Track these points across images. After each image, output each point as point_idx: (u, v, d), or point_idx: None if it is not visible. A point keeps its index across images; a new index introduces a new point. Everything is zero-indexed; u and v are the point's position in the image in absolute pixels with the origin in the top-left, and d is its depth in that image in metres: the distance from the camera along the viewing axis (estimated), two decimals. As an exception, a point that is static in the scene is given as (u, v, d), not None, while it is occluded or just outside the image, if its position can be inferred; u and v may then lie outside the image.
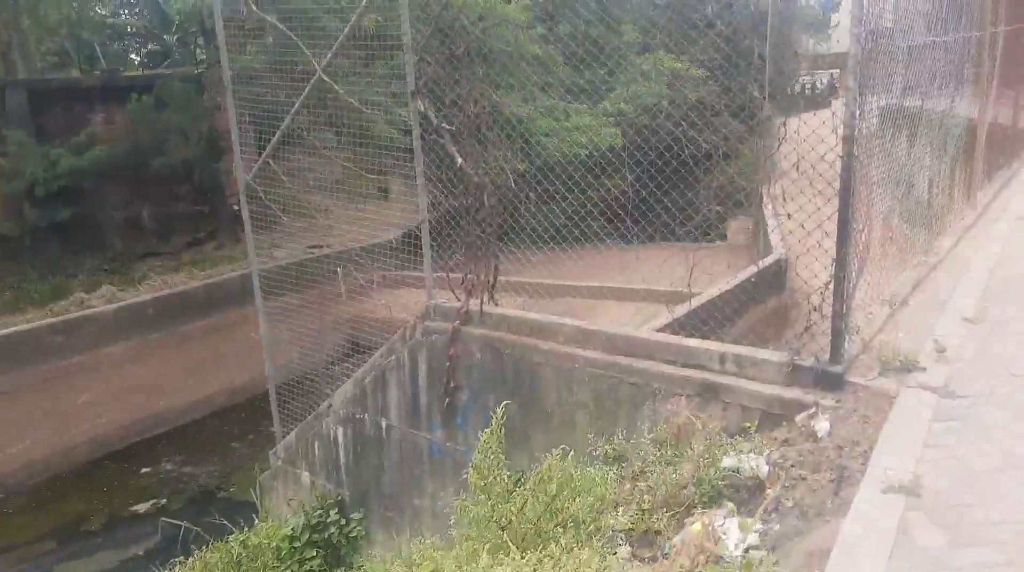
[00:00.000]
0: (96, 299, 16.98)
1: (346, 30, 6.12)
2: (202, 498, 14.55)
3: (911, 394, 4.26)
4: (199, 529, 7.88)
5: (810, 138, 4.97)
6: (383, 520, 6.98)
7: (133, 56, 27.80)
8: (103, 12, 26.02)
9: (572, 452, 5.45)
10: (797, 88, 14.61)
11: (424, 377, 6.39)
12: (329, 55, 6.33)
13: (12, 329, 15.59)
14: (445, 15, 5.40)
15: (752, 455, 4.20)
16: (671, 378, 5.00)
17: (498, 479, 3.99)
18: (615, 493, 4.51)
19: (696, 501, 4.01)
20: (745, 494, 4.04)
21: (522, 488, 4.55)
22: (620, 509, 4.26)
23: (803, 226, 4.86)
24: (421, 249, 6.44)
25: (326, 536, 7.19)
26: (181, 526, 13.23)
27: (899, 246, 5.99)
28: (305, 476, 7.68)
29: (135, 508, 14.25)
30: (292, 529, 7.15)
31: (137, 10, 27.61)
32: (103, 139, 18.78)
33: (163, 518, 9.76)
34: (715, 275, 8.70)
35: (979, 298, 5.62)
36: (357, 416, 6.99)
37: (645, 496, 4.23)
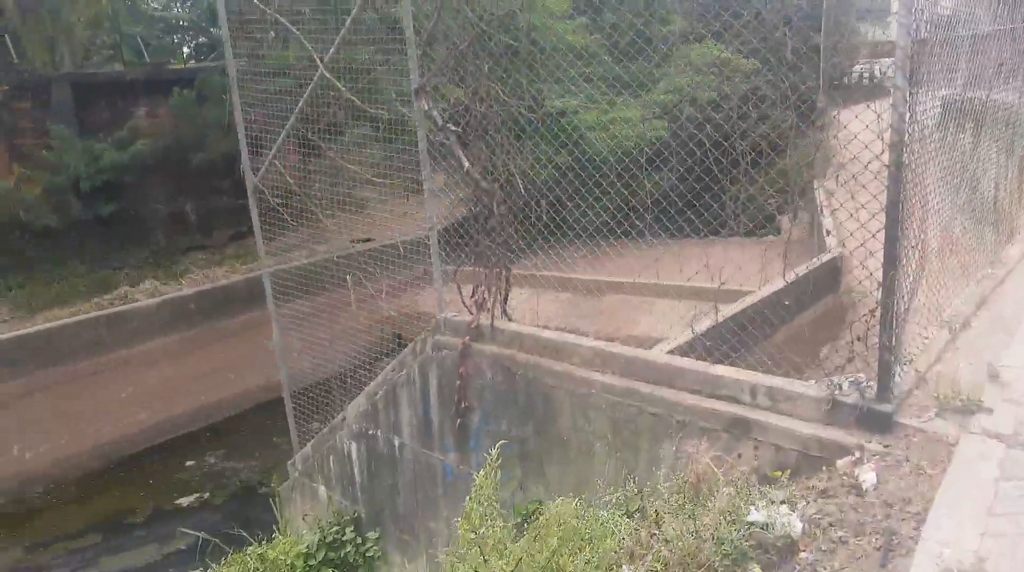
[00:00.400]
0: (139, 293, 17.12)
1: (347, 23, 5.70)
2: (244, 493, 14.55)
3: (974, 442, 3.67)
4: (217, 540, 7.68)
5: (859, 133, 4.38)
6: (399, 542, 6.64)
7: (185, 49, 27.97)
8: (154, 5, 26.20)
9: (586, 491, 5.01)
10: (855, 77, 13.68)
11: (435, 395, 5.99)
12: (332, 50, 5.92)
13: (57, 323, 15.79)
14: (449, 1, 4.92)
15: (784, 508, 3.67)
16: (696, 410, 4.48)
17: (492, 530, 3.56)
18: (631, 541, 4.04)
19: (717, 563, 3.51)
20: (774, 556, 3.52)
21: (524, 533, 4.13)
22: (633, 566, 3.79)
23: (843, 245, 4.26)
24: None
25: (342, 555, 6.90)
26: (219, 520, 13.24)
27: (961, 258, 5.31)
28: (322, 490, 7.39)
29: (178, 501, 14.31)
30: (307, 546, 6.87)
31: (189, 4, 27.76)
32: (146, 133, 18.83)
33: (180, 528, 9.63)
34: (767, 273, 8.12)
35: (1055, 318, 4.93)
36: (370, 432, 6.64)
37: (662, 550, 3.76)
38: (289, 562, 6.78)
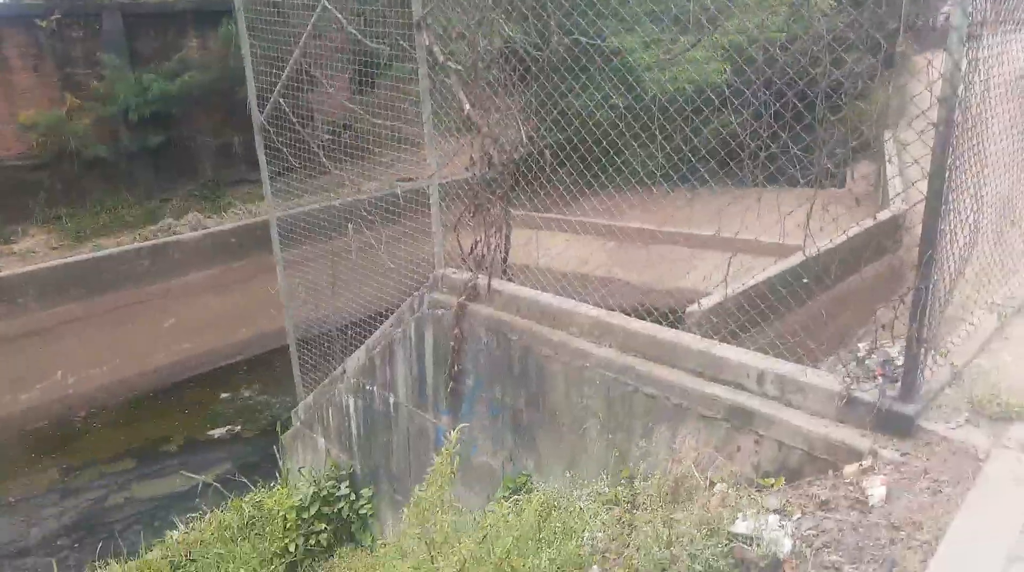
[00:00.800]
0: (181, 225, 17.18)
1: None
2: (273, 428, 14.69)
3: (1007, 460, 3.11)
4: (217, 484, 7.62)
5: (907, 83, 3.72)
6: (392, 501, 6.40)
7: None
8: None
9: (577, 469, 4.62)
10: (942, 20, 12.42)
11: (430, 355, 5.62)
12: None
13: (103, 252, 15.97)
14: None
15: (775, 520, 3.21)
16: (694, 395, 3.99)
17: (440, 524, 3.18)
18: (607, 538, 3.64)
19: (691, 578, 3.09)
20: (758, 575, 3.08)
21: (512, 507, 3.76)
22: (604, 567, 3.40)
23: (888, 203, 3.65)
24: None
25: (336, 510, 6.71)
26: (247, 454, 13.38)
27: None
28: (321, 442, 7.18)
29: (211, 433, 14.50)
30: (301, 500, 6.69)
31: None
32: (197, 64, 18.58)
33: (182, 471, 9.65)
34: (825, 226, 7.48)
35: None
36: (367, 387, 6.35)
37: (633, 558, 3.34)
38: (283, 514, 6.63)
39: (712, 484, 3.66)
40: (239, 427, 14.82)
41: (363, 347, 6.41)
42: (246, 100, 18.38)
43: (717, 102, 3.98)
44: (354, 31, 5.50)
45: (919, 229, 3.28)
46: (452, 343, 5.28)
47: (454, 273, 5.46)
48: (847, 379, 3.59)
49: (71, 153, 17.04)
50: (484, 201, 5.00)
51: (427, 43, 4.98)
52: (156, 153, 18.46)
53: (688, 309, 7.24)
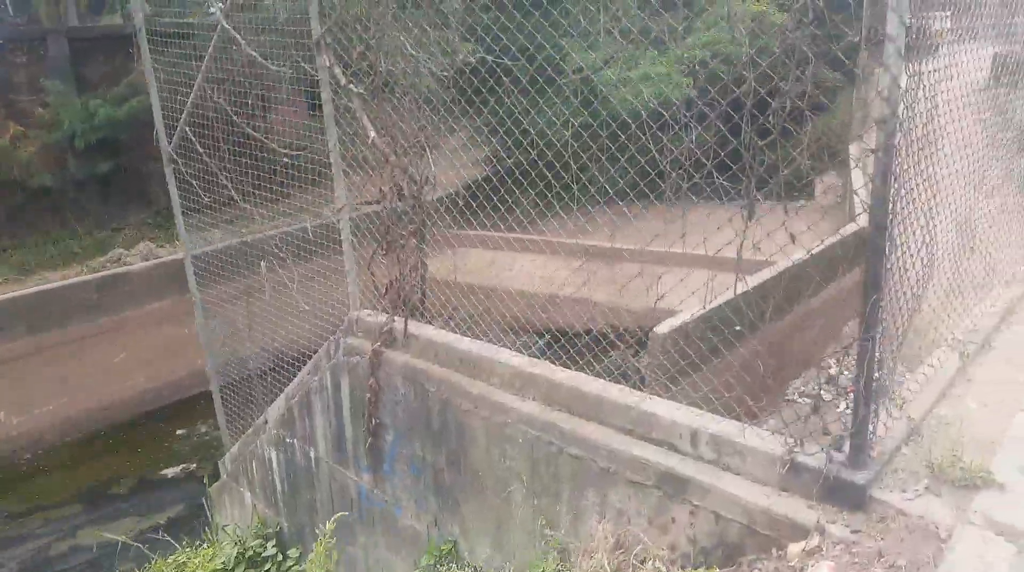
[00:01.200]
0: (132, 256, 16.55)
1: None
2: (233, 465, 14.09)
3: (972, 539, 2.64)
4: (139, 544, 7.02)
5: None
6: (320, 563, 5.84)
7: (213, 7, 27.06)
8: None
9: (505, 536, 4.12)
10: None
11: (348, 407, 5.09)
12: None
13: (50, 285, 15.33)
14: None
15: (706, 617, 2.72)
16: (622, 458, 3.50)
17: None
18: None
19: None
20: None
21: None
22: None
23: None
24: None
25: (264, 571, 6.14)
26: (199, 493, 12.75)
27: (985, 256, 4.17)
28: (247, 496, 6.62)
29: (164, 472, 13.88)
30: (224, 562, 6.12)
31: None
32: (147, 88, 18.03)
33: (104, 533, 9.03)
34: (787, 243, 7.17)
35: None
36: (287, 440, 5.80)
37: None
38: (203, 579, 6.06)
39: (643, 562, 3.19)
40: (194, 465, 14.19)
41: (283, 395, 5.87)
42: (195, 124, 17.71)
43: (634, 126, 3.53)
44: (254, 52, 5.01)
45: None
46: (368, 394, 4.76)
47: (369, 316, 4.95)
48: (789, 440, 3.11)
49: (15, 183, 16.41)
50: (396, 237, 4.50)
51: (328, 64, 4.48)
52: (105, 181, 17.84)
53: (654, 330, 6.80)
